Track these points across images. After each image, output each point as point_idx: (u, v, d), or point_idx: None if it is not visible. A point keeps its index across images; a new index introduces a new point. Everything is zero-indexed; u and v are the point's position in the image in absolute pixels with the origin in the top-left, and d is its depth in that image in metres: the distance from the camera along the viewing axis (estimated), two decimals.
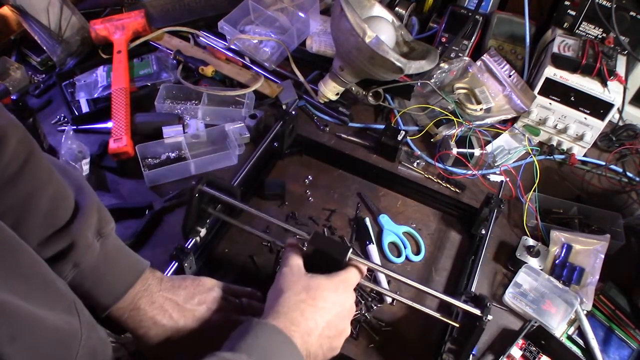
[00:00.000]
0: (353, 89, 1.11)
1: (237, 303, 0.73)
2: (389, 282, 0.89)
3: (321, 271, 0.67)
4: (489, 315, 0.68)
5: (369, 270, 0.90)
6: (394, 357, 0.82)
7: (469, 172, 1.05)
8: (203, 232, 0.83)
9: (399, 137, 1.05)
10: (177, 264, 0.80)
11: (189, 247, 0.82)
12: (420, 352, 0.82)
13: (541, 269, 0.91)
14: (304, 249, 0.70)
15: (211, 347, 0.62)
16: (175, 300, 0.68)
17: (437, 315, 0.73)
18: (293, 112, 1.03)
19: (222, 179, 0.88)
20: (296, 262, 0.68)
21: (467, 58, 1.20)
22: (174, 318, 0.67)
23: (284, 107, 1.12)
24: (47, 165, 0.59)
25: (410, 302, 0.74)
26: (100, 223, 0.64)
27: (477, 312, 0.69)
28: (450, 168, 1.07)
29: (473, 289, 0.80)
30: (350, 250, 0.69)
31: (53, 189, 0.59)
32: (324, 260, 0.68)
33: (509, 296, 0.87)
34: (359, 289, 0.88)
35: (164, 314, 0.67)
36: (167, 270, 0.80)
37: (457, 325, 0.74)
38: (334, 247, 0.69)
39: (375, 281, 0.89)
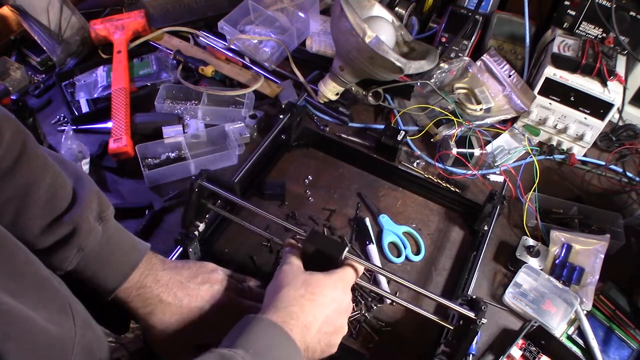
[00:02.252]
0: (353, 89, 1.11)
1: (239, 287, 0.74)
2: (388, 282, 0.89)
3: (319, 269, 0.67)
4: (483, 319, 0.68)
5: (369, 270, 0.91)
6: (392, 357, 0.82)
7: (469, 172, 1.05)
8: (202, 226, 0.84)
9: (399, 137, 1.05)
10: (181, 248, 0.81)
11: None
12: (417, 352, 0.82)
13: (541, 269, 0.91)
14: (303, 247, 0.71)
15: (213, 327, 0.64)
16: (179, 279, 0.69)
17: (434, 317, 0.73)
18: (301, 105, 1.05)
19: (223, 175, 0.88)
20: (295, 260, 0.69)
21: (467, 58, 1.20)
22: (178, 296, 0.68)
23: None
24: (43, 155, 0.59)
25: (407, 304, 0.73)
26: (101, 207, 0.64)
27: (472, 314, 0.69)
28: (450, 168, 1.07)
29: (472, 288, 0.81)
30: (347, 248, 0.69)
31: (50, 177, 0.59)
32: (321, 258, 0.69)
33: (509, 296, 0.87)
34: (358, 288, 0.88)
35: (169, 292, 0.67)
36: (171, 255, 0.81)
37: (452, 328, 0.73)
38: (330, 245, 0.70)
39: (376, 282, 0.89)
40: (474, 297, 0.72)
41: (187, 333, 0.67)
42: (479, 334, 0.84)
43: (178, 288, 0.69)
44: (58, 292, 0.52)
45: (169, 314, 0.67)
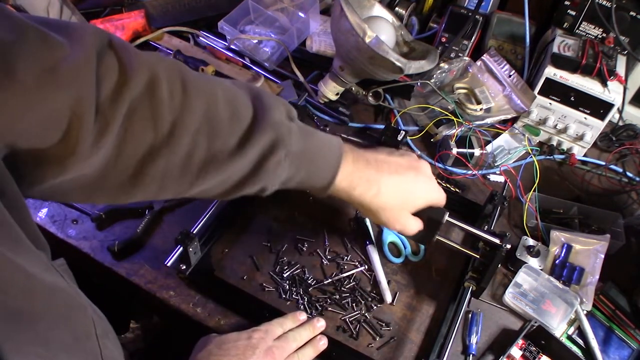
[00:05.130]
0: (353, 89, 1.11)
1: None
2: (388, 282, 0.89)
3: (427, 230, 0.78)
4: (507, 244, 0.77)
5: (369, 270, 0.91)
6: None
7: (469, 172, 1.05)
8: None
9: (399, 137, 1.05)
10: (181, 248, 0.81)
11: (194, 231, 0.82)
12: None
13: (541, 269, 0.91)
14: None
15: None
16: (377, 155, 0.75)
17: (461, 247, 0.83)
18: (301, 105, 1.06)
19: None
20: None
21: (467, 58, 1.19)
22: (385, 166, 0.74)
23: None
24: (202, 77, 0.59)
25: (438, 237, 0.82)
26: (287, 108, 0.64)
27: (497, 241, 0.79)
28: (450, 168, 1.07)
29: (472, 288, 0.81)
30: (447, 213, 0.78)
31: (221, 91, 0.58)
32: (430, 222, 0.78)
33: (509, 296, 0.87)
34: (359, 289, 0.88)
35: (378, 164, 0.73)
36: (171, 255, 0.82)
37: (478, 257, 0.83)
38: (435, 211, 0.78)
39: (375, 281, 0.89)
40: (496, 231, 0.82)
41: (403, 198, 0.74)
42: (479, 333, 0.84)
43: (381, 160, 0.73)
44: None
45: (387, 185, 0.71)
